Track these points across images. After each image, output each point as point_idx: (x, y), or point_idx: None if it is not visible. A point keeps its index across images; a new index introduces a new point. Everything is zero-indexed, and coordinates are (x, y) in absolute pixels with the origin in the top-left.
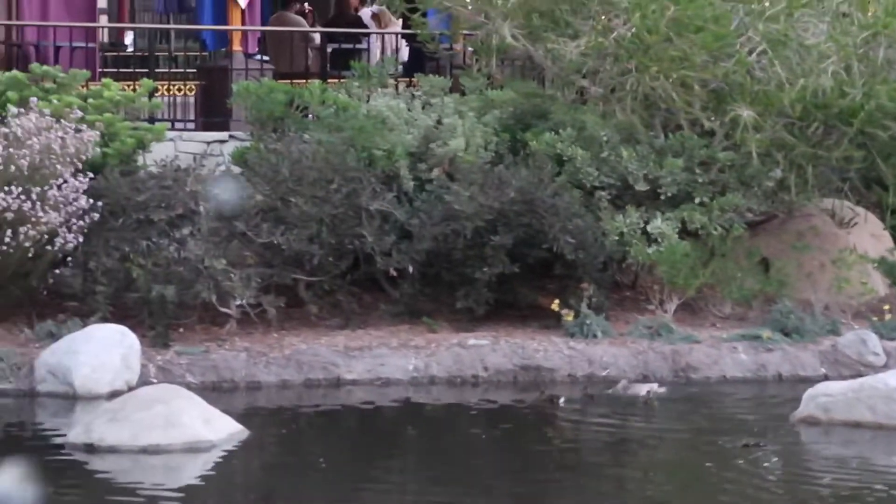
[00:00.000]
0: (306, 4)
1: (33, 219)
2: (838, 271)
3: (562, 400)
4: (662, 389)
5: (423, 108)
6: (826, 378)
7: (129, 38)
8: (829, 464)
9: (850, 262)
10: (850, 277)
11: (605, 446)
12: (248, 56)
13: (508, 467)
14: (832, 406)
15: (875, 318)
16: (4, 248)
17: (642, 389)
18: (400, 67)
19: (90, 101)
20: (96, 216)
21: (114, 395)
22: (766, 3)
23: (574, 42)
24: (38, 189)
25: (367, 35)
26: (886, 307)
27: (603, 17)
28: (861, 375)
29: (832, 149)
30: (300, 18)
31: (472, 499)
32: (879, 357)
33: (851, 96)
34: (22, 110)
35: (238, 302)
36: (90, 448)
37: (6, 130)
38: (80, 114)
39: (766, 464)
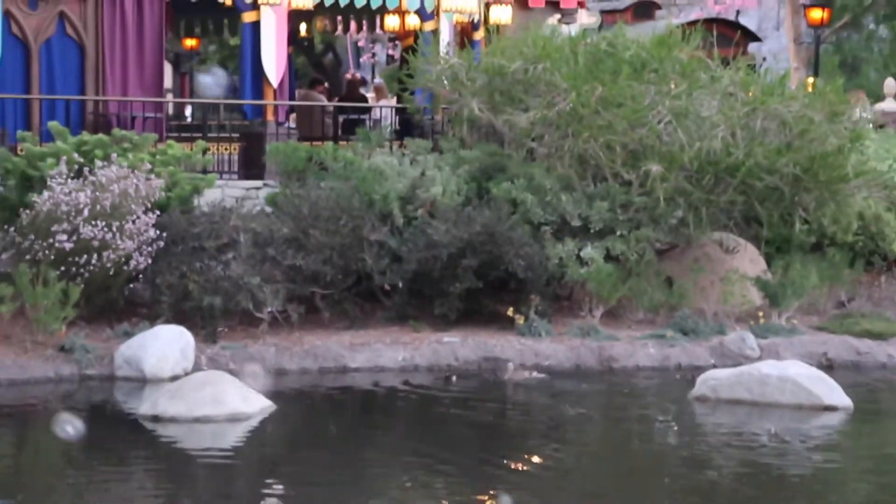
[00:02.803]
0: (326, 84)
1: (113, 246)
2: (725, 287)
3: (454, 378)
4: (542, 376)
5: (410, 163)
6: (715, 367)
7: (188, 111)
8: (715, 430)
9: (733, 281)
10: (733, 292)
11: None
12: (278, 124)
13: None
14: (719, 388)
15: (752, 322)
16: (92, 268)
17: (525, 374)
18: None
19: (157, 157)
20: (161, 244)
21: (174, 378)
22: (672, 86)
23: (525, 114)
24: (118, 223)
25: (370, 109)
26: (761, 314)
27: (548, 95)
28: (741, 365)
29: (721, 195)
30: (321, 95)
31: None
32: (755, 351)
33: (735, 155)
34: (105, 164)
35: (269, 309)
36: (155, 419)
37: (94, 179)
38: (149, 167)
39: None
